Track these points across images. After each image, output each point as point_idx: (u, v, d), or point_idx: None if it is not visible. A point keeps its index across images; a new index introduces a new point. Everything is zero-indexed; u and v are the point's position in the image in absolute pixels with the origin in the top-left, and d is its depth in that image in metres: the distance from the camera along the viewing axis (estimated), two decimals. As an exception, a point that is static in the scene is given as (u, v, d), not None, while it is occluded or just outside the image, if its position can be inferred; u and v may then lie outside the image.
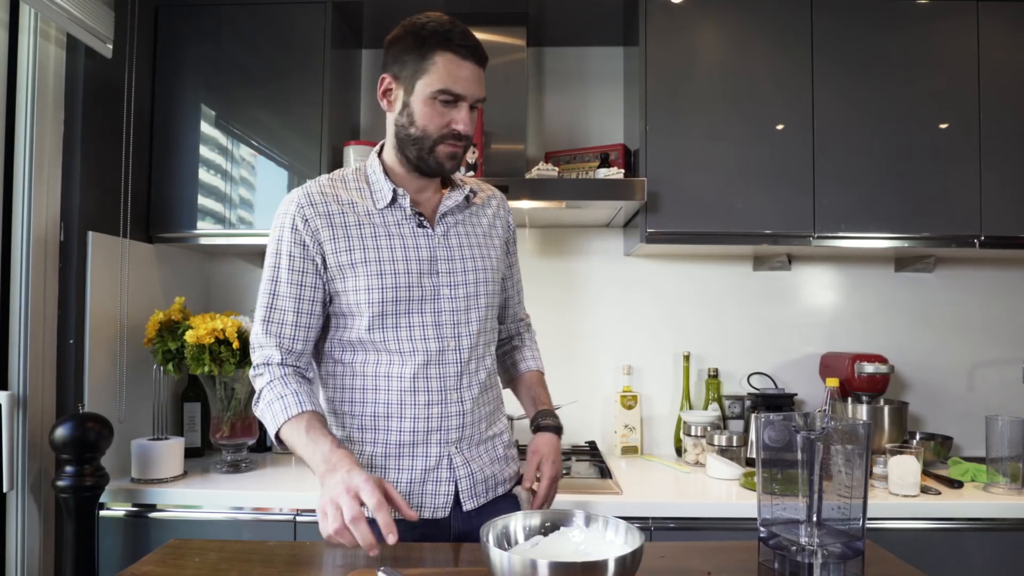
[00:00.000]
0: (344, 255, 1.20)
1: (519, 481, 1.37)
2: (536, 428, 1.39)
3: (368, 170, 1.28)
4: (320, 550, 1.18)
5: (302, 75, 2.08)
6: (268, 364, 1.21)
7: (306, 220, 1.20)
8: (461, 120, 1.18)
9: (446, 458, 1.25)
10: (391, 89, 1.24)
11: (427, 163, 1.22)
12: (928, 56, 2.03)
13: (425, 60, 1.16)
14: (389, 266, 1.20)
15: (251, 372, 1.23)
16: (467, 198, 1.32)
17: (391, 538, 0.97)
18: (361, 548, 1.00)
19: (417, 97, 1.18)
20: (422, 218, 1.25)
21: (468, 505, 1.26)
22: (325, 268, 1.21)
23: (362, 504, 1.00)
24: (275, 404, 1.16)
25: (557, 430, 1.39)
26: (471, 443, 1.28)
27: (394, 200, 1.24)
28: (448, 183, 1.32)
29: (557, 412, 1.45)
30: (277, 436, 1.17)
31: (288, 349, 1.21)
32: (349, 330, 1.23)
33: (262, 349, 1.21)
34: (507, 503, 1.32)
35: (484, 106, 2.03)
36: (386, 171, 1.27)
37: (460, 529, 1.26)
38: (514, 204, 1.94)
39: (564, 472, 1.93)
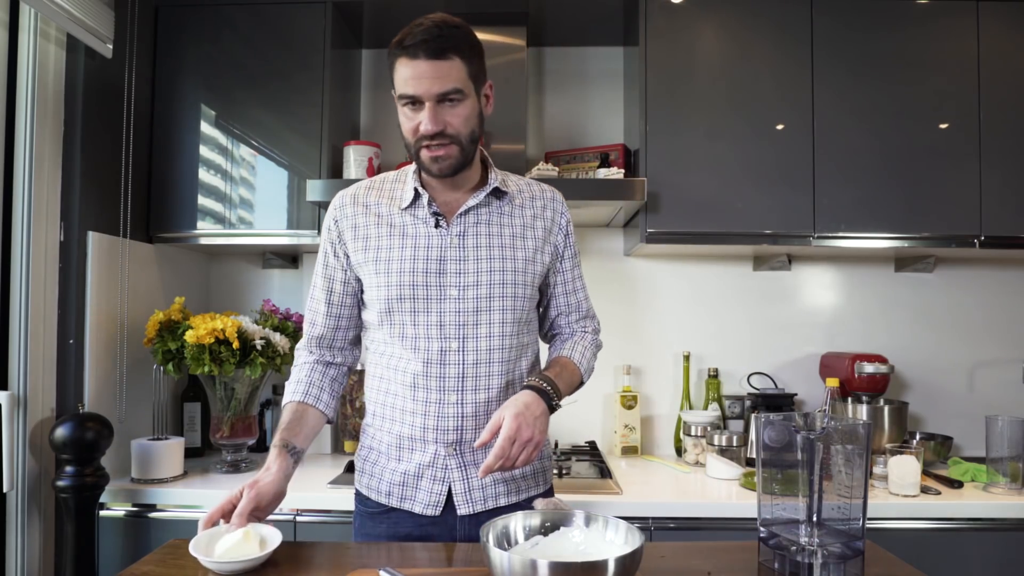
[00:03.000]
0: (360, 254, 1.27)
1: (544, 494, 1.32)
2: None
3: (408, 172, 1.30)
4: (320, 550, 1.18)
5: (302, 75, 2.08)
6: (300, 349, 1.36)
7: (336, 221, 1.30)
8: (425, 120, 1.15)
9: (441, 458, 1.25)
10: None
11: (422, 168, 1.23)
12: (928, 56, 2.03)
13: (392, 70, 1.18)
14: (396, 264, 1.23)
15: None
16: (496, 195, 1.28)
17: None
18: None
19: (398, 107, 1.20)
20: (440, 218, 1.26)
21: (462, 509, 1.25)
22: (350, 266, 1.30)
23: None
24: (288, 385, 1.32)
25: (542, 392, 1.19)
26: (475, 448, 1.24)
27: (417, 200, 1.26)
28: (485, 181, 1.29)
29: (558, 388, 1.24)
30: None
31: (318, 336, 1.33)
32: (370, 325, 1.32)
33: (304, 334, 1.36)
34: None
35: (484, 106, 2.05)
36: (421, 173, 1.28)
37: (468, 532, 1.26)
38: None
39: (564, 471, 1.93)
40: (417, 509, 1.25)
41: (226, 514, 1.11)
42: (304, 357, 1.34)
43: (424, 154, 1.19)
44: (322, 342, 1.33)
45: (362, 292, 1.31)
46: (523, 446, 1.13)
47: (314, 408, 1.28)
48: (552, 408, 1.21)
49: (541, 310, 1.41)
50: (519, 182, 1.36)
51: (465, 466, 1.25)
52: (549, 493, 1.37)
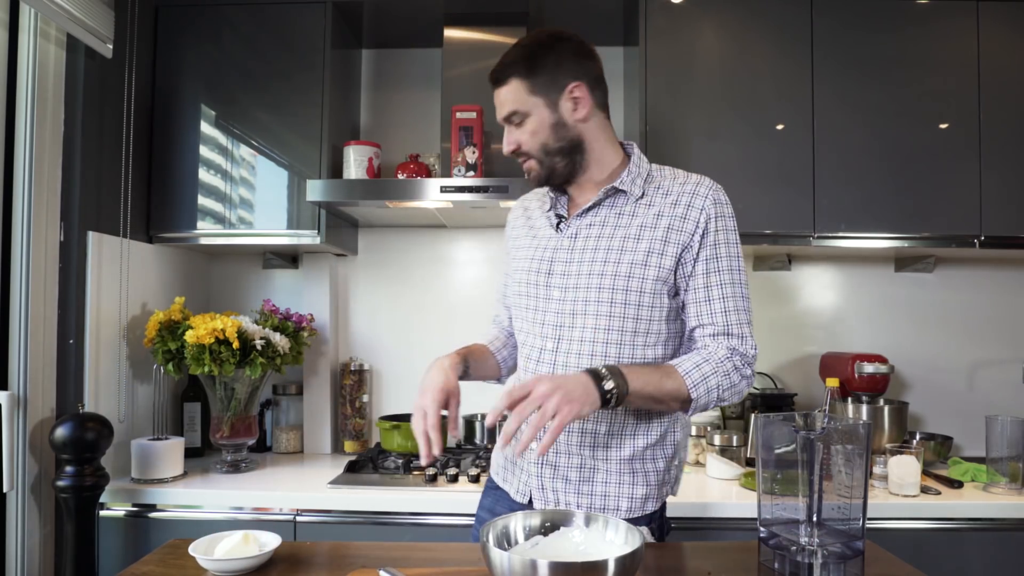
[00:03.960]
0: (511, 253, 1.39)
1: (636, 520, 1.21)
2: None
3: None
4: (320, 550, 1.18)
5: (302, 75, 2.08)
6: (492, 323, 1.51)
7: (510, 219, 1.44)
8: (504, 142, 1.26)
9: (529, 450, 1.24)
10: None
11: None
12: (928, 56, 2.03)
13: None
14: (519, 264, 1.33)
15: None
16: (616, 193, 1.24)
17: (424, 460, 1.12)
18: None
19: None
20: (561, 219, 1.29)
21: (537, 503, 1.24)
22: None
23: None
24: (479, 338, 1.45)
25: (593, 373, 1.07)
26: (555, 449, 1.21)
27: (554, 202, 1.31)
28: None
29: (624, 375, 1.09)
30: None
31: (497, 316, 1.50)
32: None
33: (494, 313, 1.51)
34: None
35: (484, 105, 2.05)
36: None
37: None
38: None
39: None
40: (511, 492, 1.30)
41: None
42: (493, 327, 1.49)
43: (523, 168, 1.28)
44: (499, 320, 1.49)
45: None
46: (535, 402, 1.01)
47: (495, 359, 1.40)
48: (603, 393, 1.06)
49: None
50: (664, 178, 1.26)
51: (542, 465, 1.24)
52: (642, 521, 1.21)
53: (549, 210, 1.30)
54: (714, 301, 1.19)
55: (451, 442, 2.25)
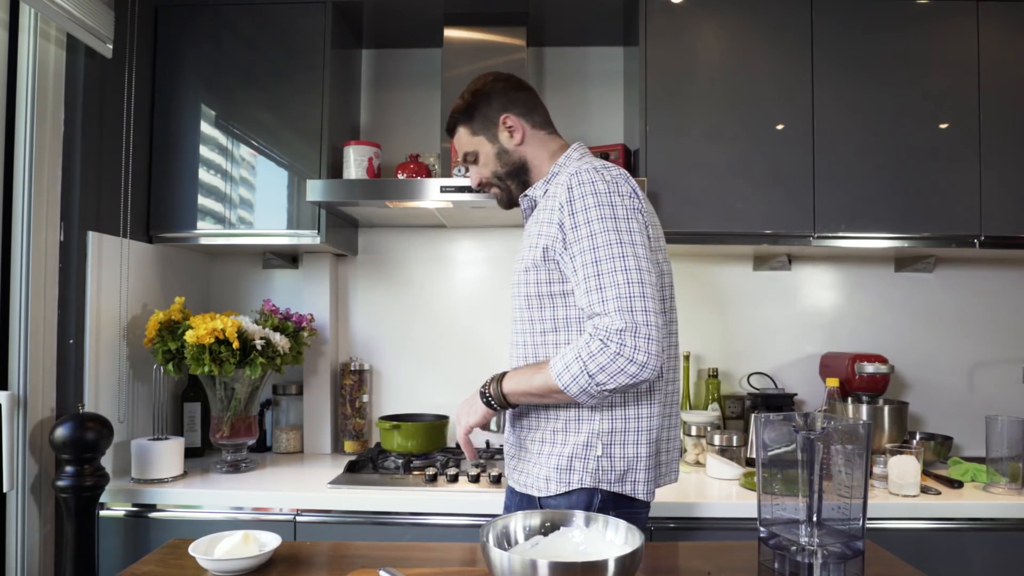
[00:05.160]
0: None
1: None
2: None
3: None
4: (320, 550, 1.18)
5: (302, 75, 2.08)
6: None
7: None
8: (470, 180, 1.48)
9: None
10: None
11: None
12: (928, 56, 2.03)
13: None
14: None
15: None
16: (542, 193, 1.39)
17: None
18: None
19: None
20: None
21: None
22: None
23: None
24: None
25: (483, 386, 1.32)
26: (506, 425, 1.41)
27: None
28: None
29: (491, 387, 1.29)
30: None
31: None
32: None
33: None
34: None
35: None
36: None
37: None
38: (514, 204, 1.94)
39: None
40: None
41: None
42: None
43: None
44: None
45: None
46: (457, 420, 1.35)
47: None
48: (484, 399, 1.30)
49: None
50: (562, 173, 1.31)
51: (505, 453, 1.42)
52: (562, 503, 1.25)
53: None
54: (579, 283, 1.20)
55: (451, 442, 2.25)
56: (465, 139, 1.43)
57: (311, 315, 2.25)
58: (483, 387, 1.31)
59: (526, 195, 1.41)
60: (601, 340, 1.14)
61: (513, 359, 1.37)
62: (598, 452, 1.23)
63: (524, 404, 1.29)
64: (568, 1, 2.14)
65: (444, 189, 1.89)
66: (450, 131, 1.46)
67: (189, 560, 1.08)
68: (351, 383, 2.31)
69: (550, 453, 1.27)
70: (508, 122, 1.39)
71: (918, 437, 2.17)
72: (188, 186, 2.09)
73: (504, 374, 1.30)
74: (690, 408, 2.29)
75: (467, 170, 1.47)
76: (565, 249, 1.22)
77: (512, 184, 1.42)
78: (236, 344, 1.88)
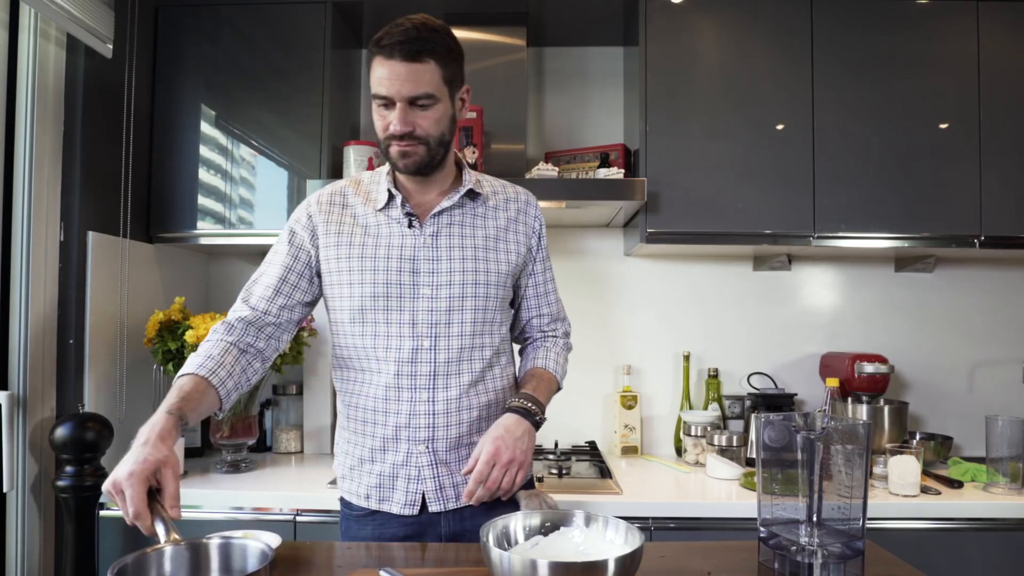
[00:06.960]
0: (332, 250, 1.28)
1: (528, 485, 1.30)
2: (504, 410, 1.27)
3: (382, 173, 1.32)
4: (320, 550, 1.18)
5: (302, 75, 2.08)
6: (217, 327, 1.25)
7: (310, 216, 1.30)
8: (395, 121, 1.18)
9: (414, 456, 1.25)
10: None
11: (391, 163, 1.26)
12: (928, 56, 2.03)
13: (369, 67, 1.21)
14: (371, 263, 1.25)
15: None
16: (471, 197, 1.31)
17: (162, 539, 0.97)
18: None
19: (372, 104, 1.22)
20: (413, 218, 1.27)
21: (433, 507, 1.25)
22: (317, 261, 1.30)
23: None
24: (195, 357, 1.19)
25: (524, 412, 1.23)
26: (447, 446, 1.26)
27: (391, 201, 1.28)
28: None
29: (540, 403, 1.28)
30: None
31: (253, 314, 1.25)
32: (342, 332, 1.30)
33: (229, 313, 1.28)
34: (504, 508, 1.20)
35: (484, 105, 2.05)
36: (395, 174, 1.31)
37: (452, 530, 1.27)
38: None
39: (564, 471, 1.93)
40: (395, 510, 1.26)
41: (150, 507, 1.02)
42: (221, 335, 1.23)
43: (392, 149, 1.22)
44: (256, 322, 1.25)
45: (320, 291, 1.32)
46: (505, 468, 1.16)
47: (216, 393, 1.15)
48: (537, 424, 1.25)
49: (514, 312, 1.42)
50: (495, 184, 1.38)
51: (437, 464, 1.26)
52: (530, 485, 1.33)
53: (383, 208, 1.27)
54: (550, 294, 1.43)
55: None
56: (434, 79, 1.17)
57: (311, 315, 2.25)
58: (528, 413, 1.22)
59: (479, 191, 1.31)
60: (568, 340, 1.47)
61: (461, 351, 1.27)
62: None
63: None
64: (568, 1, 2.14)
65: (444, 189, 1.88)
66: (415, 56, 1.15)
67: (189, 560, 1.08)
68: (351, 383, 2.31)
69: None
70: (464, 95, 1.27)
71: (918, 437, 2.17)
72: (188, 186, 2.09)
73: (532, 397, 1.26)
74: (690, 408, 2.29)
75: (403, 111, 1.17)
76: (534, 263, 1.39)
77: (439, 155, 1.24)
78: (236, 344, 1.87)
